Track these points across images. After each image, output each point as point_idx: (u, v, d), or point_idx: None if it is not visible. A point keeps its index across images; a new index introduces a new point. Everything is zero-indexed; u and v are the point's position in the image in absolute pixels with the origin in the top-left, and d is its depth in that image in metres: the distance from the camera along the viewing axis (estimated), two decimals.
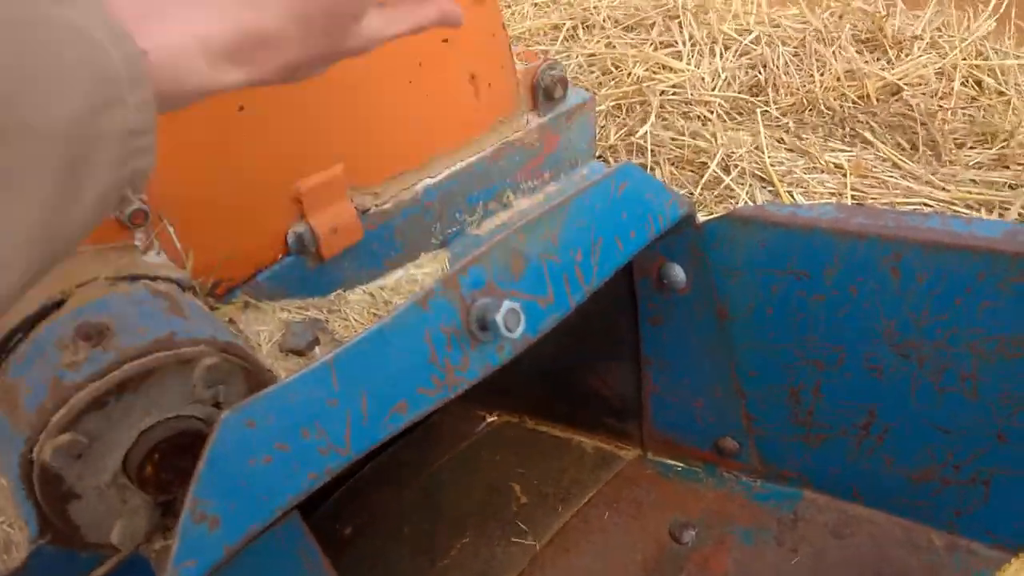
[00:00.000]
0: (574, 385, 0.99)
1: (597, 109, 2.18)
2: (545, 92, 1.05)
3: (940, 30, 2.18)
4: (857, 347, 0.72)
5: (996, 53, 2.06)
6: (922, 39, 2.11)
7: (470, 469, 1.01)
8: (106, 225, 0.66)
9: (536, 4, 2.88)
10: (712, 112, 2.11)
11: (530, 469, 0.99)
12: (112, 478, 0.57)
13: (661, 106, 2.15)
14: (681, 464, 0.93)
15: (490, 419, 1.08)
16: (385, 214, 0.86)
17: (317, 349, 0.76)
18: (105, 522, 0.59)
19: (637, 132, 2.06)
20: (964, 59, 2.02)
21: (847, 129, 1.99)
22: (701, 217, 0.76)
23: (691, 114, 2.14)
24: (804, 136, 2.00)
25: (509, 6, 2.85)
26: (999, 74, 2.01)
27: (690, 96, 2.16)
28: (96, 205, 0.37)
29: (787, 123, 2.04)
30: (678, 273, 0.79)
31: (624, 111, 2.19)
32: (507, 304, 0.55)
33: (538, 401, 1.05)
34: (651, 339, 0.86)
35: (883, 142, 1.90)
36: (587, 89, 2.19)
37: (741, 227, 0.73)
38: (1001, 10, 2.20)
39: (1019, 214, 1.56)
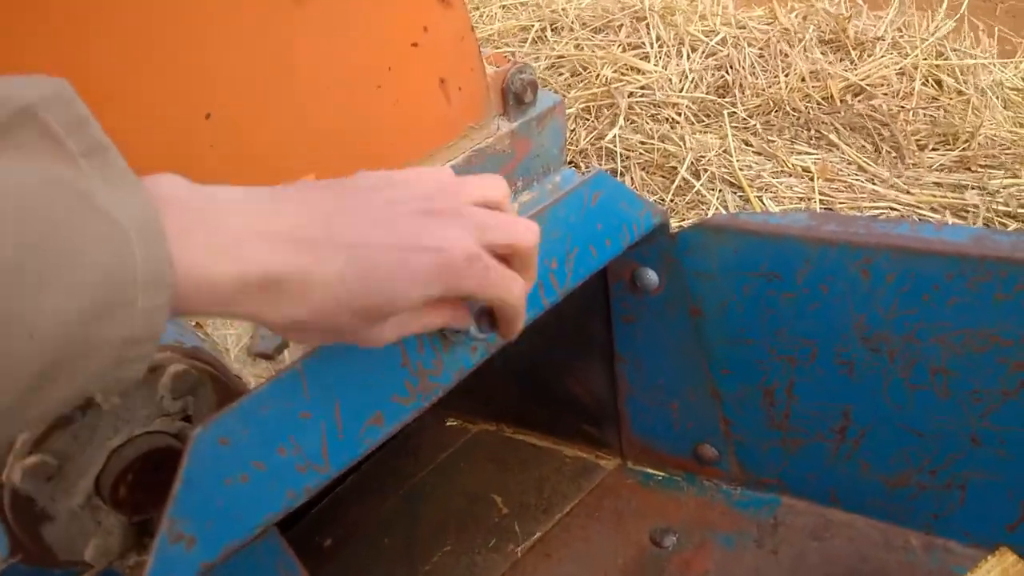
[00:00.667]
0: (551, 389, 0.99)
1: (566, 112, 2.19)
2: (515, 96, 1.04)
3: (901, 30, 2.21)
4: (828, 341, 0.73)
5: (955, 53, 2.10)
6: (884, 40, 2.15)
7: (450, 480, 1.01)
8: None
9: (504, 6, 2.88)
10: (680, 114, 2.13)
11: (510, 479, 0.98)
12: (85, 499, 0.56)
13: (630, 107, 2.16)
14: (661, 473, 0.93)
15: (468, 428, 1.08)
16: None
17: (286, 353, 0.74)
18: (79, 542, 0.58)
19: (607, 136, 2.07)
20: (924, 59, 2.05)
21: (812, 131, 2.01)
22: (674, 223, 0.77)
23: (660, 116, 2.15)
24: (771, 138, 2.02)
25: (477, 8, 2.86)
26: (959, 74, 2.05)
27: (658, 98, 2.18)
28: (57, 407, 0.33)
29: (754, 125, 2.06)
30: (651, 277, 0.79)
31: (593, 113, 2.20)
32: (479, 305, 0.55)
33: (516, 407, 1.05)
34: (624, 337, 0.86)
35: (848, 144, 1.93)
36: (556, 91, 2.19)
37: (714, 235, 0.73)
38: (959, 12, 2.25)
39: (984, 219, 1.60)
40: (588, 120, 2.19)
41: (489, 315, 0.54)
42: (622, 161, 2.01)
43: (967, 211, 1.65)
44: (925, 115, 1.96)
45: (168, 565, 0.46)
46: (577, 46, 2.46)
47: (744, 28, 2.35)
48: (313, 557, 0.96)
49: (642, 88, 2.21)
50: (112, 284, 0.31)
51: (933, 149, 1.88)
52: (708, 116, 2.15)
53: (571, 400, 0.98)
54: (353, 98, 0.84)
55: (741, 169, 1.89)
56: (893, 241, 0.64)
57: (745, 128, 2.07)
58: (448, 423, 1.09)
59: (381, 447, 0.57)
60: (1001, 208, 1.62)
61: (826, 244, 0.67)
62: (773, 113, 2.08)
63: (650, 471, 0.95)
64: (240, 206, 0.39)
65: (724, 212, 1.81)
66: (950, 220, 1.64)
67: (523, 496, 0.96)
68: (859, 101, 2.01)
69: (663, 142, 2.03)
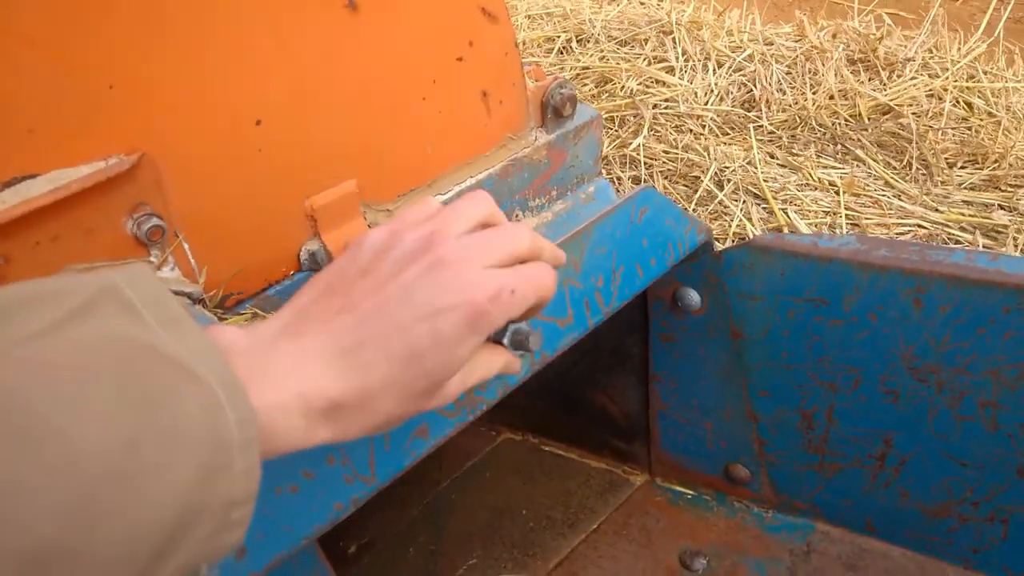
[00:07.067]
0: (580, 401, 0.99)
1: None
2: (555, 110, 1.04)
3: (932, 52, 2.20)
4: (873, 370, 0.71)
5: (987, 76, 2.09)
6: (914, 61, 2.13)
7: (475, 489, 1.00)
8: (123, 242, 0.64)
9: (530, 16, 2.87)
10: (704, 126, 2.11)
11: (536, 491, 0.98)
12: None
13: (654, 119, 2.15)
14: (691, 492, 0.92)
15: (493, 436, 1.07)
16: None
17: None
18: None
19: (630, 144, 2.06)
20: (955, 81, 2.03)
21: (839, 146, 2.00)
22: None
23: (684, 127, 2.14)
24: (796, 152, 2.00)
25: None
26: (989, 96, 2.03)
27: (683, 110, 2.16)
28: None
29: (780, 138, 2.05)
30: (693, 297, 0.79)
31: (617, 123, 2.19)
32: (527, 325, 0.55)
33: (543, 418, 1.05)
34: (661, 356, 0.86)
35: (875, 160, 1.92)
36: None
37: (760, 255, 0.73)
38: (993, 35, 2.23)
39: (1013, 239, 1.58)
40: (612, 129, 2.18)
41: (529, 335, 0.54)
42: (645, 169, 2.00)
43: (998, 231, 1.63)
44: (955, 135, 1.94)
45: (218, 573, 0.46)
46: (602, 58, 2.45)
47: (771, 45, 2.33)
48: (338, 562, 0.95)
49: (667, 100, 2.20)
50: (214, 450, 0.32)
51: (962, 167, 1.87)
52: (732, 129, 2.13)
53: (600, 413, 0.98)
54: (398, 109, 0.84)
55: (766, 181, 1.88)
56: (948, 270, 0.62)
57: (770, 141, 2.06)
58: (475, 431, 1.08)
59: None
60: None
61: (877, 270, 0.66)
62: (799, 128, 2.07)
63: (679, 489, 0.94)
64: (281, 344, 0.40)
65: (748, 223, 1.80)
66: (980, 240, 1.62)
67: (549, 509, 0.96)
68: (887, 119, 1.99)
69: (686, 152, 2.02)
